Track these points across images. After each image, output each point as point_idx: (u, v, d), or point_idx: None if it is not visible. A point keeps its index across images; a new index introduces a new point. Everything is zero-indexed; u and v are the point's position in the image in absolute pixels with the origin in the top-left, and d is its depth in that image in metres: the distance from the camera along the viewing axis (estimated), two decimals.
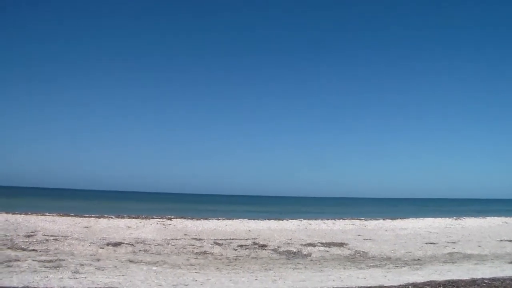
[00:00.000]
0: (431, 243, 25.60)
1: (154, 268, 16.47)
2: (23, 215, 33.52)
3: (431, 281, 13.21)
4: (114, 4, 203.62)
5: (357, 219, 42.67)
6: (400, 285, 12.55)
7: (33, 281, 12.38)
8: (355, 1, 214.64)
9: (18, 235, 23.84)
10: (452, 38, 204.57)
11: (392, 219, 42.62)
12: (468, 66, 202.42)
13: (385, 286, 12.28)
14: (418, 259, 20.45)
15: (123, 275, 14.35)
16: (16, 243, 21.46)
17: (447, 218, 44.21)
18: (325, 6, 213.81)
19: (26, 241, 22.05)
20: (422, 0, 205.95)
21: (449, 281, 13.07)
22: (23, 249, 20.09)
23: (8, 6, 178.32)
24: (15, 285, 11.54)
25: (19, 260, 16.74)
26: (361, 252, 22.36)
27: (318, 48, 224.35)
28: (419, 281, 13.22)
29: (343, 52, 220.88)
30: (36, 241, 22.11)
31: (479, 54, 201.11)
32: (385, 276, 15.14)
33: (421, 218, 43.68)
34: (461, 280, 13.26)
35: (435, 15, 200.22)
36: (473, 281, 13.02)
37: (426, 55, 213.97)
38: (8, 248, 20.27)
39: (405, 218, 44.21)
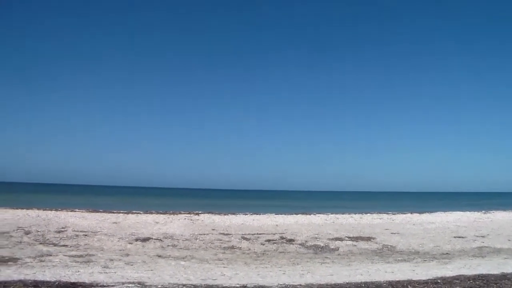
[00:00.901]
0: (459, 237, 25.35)
1: (183, 263, 16.63)
2: (53, 211, 34.00)
3: (460, 275, 13.08)
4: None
5: (385, 213, 42.39)
6: (429, 279, 12.44)
7: (64, 276, 12.60)
8: None
9: (49, 230, 24.25)
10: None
11: (419, 213, 42.23)
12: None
13: (414, 280, 12.19)
14: (447, 253, 20.27)
15: (151, 270, 14.52)
16: (48, 239, 21.87)
17: (475, 212, 43.60)
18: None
19: (57, 237, 22.44)
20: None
21: (478, 275, 12.92)
22: (55, 244, 20.47)
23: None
24: (47, 279, 11.74)
25: (51, 255, 17.08)
26: (389, 246, 22.26)
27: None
28: (448, 275, 13.10)
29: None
30: (66, 237, 22.49)
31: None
32: (413, 270, 15.05)
33: (449, 212, 43.13)
34: (491, 274, 13.10)
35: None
36: (504, 276, 12.86)
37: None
38: (40, 243, 20.68)
39: (433, 212, 43.71)
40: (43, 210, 34.65)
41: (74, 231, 24.31)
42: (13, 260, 15.62)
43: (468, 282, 11.80)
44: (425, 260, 17.94)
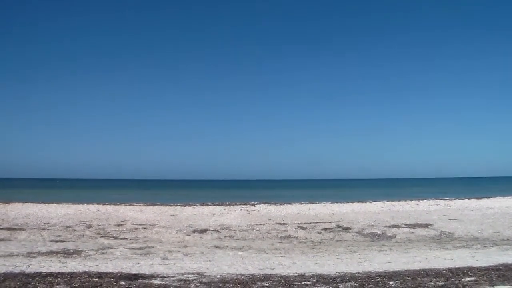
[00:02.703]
0: None
1: (240, 253, 16.79)
2: (112, 206, 34.86)
3: None
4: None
5: (441, 199, 41.77)
6: (490, 266, 12.21)
7: (126, 267, 12.94)
8: None
9: (110, 224, 24.91)
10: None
11: (477, 198, 41.39)
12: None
13: (474, 267, 11.98)
14: (508, 239, 19.80)
15: (210, 261, 14.72)
16: (108, 232, 22.47)
17: None
18: None
19: (117, 230, 23.03)
20: None
21: None
22: (115, 237, 21.03)
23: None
24: (110, 270, 12.08)
25: (112, 248, 17.56)
26: (447, 233, 21.91)
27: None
28: (510, 262, 12.83)
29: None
30: (126, 230, 23.05)
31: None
32: (473, 257, 14.78)
33: (509, 197, 42.11)
34: None
35: None
36: None
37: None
38: (101, 236, 21.29)
39: (491, 197, 42.76)
40: (103, 204, 35.55)
41: (133, 224, 24.89)
42: (77, 252, 16.13)
43: None
44: (485, 247, 17.58)
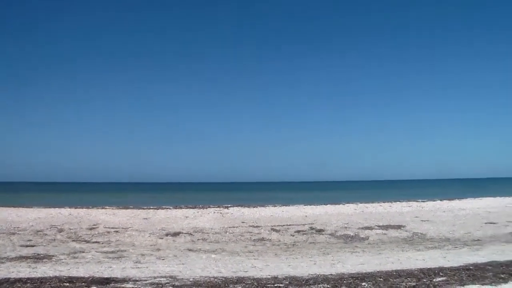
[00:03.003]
0: (491, 223, 25.09)
1: (213, 256, 16.75)
2: (84, 209, 34.58)
3: (492, 261, 12.97)
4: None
5: (414, 200, 42.26)
6: (461, 266, 12.36)
7: (97, 271, 12.81)
8: None
9: (82, 228, 24.63)
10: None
11: (449, 200, 42.00)
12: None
13: (445, 267, 12.11)
14: (478, 240, 20.08)
15: (183, 264, 14.66)
16: (80, 236, 22.23)
17: (507, 197, 43.11)
18: None
19: (89, 234, 22.79)
20: None
21: (511, 261, 12.82)
22: (87, 241, 20.81)
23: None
24: (81, 275, 11.95)
25: (83, 252, 17.39)
26: (419, 234, 22.14)
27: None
28: (480, 262, 13.00)
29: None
30: (98, 234, 22.83)
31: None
32: (445, 257, 14.95)
33: (479, 198, 42.76)
34: None
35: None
36: None
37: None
38: (73, 240, 21.04)
39: (462, 198, 43.40)
40: (75, 208, 35.29)
41: (106, 227, 24.66)
42: (48, 257, 15.91)
43: (501, 268, 11.71)
44: (456, 247, 17.81)
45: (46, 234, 22.60)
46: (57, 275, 11.88)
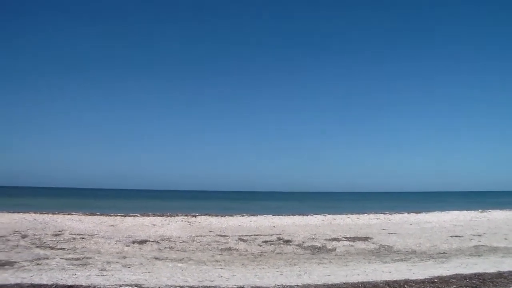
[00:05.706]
0: (456, 236, 25.40)
1: (180, 264, 16.62)
2: (50, 215, 34.02)
3: (457, 274, 13.15)
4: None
5: (382, 213, 42.51)
6: (426, 278, 12.50)
7: (61, 279, 12.59)
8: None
9: (46, 234, 24.21)
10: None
11: (416, 212, 42.36)
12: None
13: (411, 280, 12.24)
14: (444, 252, 20.31)
15: (149, 272, 14.51)
16: (45, 242, 21.83)
17: (472, 211, 43.71)
18: None
19: (54, 240, 22.40)
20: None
21: (475, 274, 12.99)
22: (51, 248, 20.44)
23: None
24: (44, 282, 11.75)
25: (47, 258, 17.07)
26: (386, 246, 22.28)
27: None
28: (444, 275, 13.15)
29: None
30: (63, 240, 22.46)
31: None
32: (410, 269, 15.07)
33: (446, 211, 43.20)
34: (487, 273, 13.18)
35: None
36: (500, 274, 12.95)
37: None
38: (37, 246, 20.65)
39: (429, 211, 43.79)
40: (40, 213, 34.67)
41: (71, 234, 24.29)
42: (10, 263, 15.59)
43: (465, 281, 11.87)
44: (422, 260, 17.97)
45: (8, 240, 22.13)
46: (19, 282, 11.67)
